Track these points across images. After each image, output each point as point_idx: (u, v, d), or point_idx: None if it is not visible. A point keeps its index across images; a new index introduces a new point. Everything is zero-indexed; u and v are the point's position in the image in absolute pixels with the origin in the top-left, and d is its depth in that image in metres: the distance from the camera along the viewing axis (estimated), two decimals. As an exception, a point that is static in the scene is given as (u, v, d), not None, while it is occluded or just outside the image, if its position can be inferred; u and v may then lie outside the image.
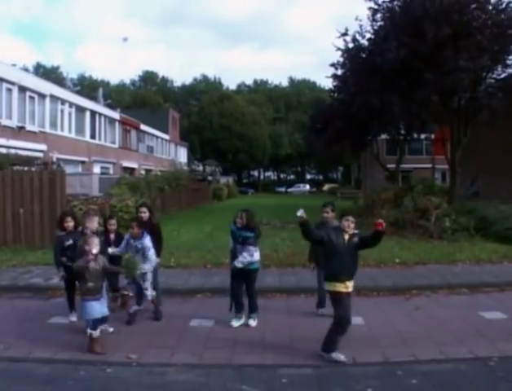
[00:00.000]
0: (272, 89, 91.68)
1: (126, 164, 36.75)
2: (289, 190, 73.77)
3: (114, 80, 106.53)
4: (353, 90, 18.94)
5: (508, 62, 16.68)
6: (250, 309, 6.62)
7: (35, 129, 23.79)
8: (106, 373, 4.93)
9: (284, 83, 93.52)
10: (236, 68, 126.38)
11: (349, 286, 5.29)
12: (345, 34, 19.45)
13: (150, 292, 6.58)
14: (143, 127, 42.28)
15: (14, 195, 11.95)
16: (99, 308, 5.51)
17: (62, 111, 27.51)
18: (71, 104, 28.52)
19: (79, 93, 35.35)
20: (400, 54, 15.40)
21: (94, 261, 5.50)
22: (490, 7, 15.85)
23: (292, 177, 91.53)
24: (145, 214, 7.13)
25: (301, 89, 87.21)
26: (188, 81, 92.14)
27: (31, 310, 6.81)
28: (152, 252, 6.49)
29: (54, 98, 26.19)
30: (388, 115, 18.05)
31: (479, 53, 15.04)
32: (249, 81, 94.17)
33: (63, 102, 27.50)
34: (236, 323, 6.49)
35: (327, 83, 50.99)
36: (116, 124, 36.52)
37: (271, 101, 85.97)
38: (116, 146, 36.19)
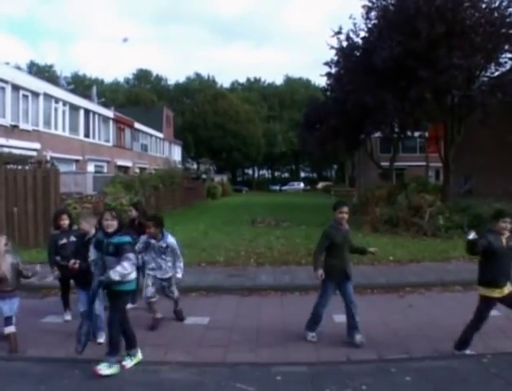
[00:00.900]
0: (266, 87, 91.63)
1: (120, 162, 36.61)
2: (284, 188, 73.79)
3: (108, 78, 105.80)
4: (347, 89, 18.98)
5: (501, 60, 16.79)
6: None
7: (29, 127, 23.67)
8: (101, 372, 4.90)
9: (279, 81, 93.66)
10: (230, 67, 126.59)
11: (505, 291, 5.15)
12: (339, 33, 19.53)
13: (176, 293, 6.57)
14: (137, 125, 42.16)
15: (8, 194, 11.90)
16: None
17: (56, 109, 27.39)
18: (65, 103, 28.40)
19: (73, 91, 35.12)
20: (394, 52, 15.47)
21: None
22: (483, 6, 15.96)
23: (286, 175, 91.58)
24: (131, 213, 7.10)
25: (295, 87, 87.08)
26: (182, 79, 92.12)
27: (25, 309, 6.78)
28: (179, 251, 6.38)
29: (47, 96, 26.06)
30: (382, 113, 18.08)
31: (473, 51, 15.13)
32: (243, 80, 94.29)
33: (56, 100, 27.38)
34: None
35: (321, 81, 51.28)
36: (110, 122, 36.39)
37: (265, 99, 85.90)
38: (111, 144, 36.05)
